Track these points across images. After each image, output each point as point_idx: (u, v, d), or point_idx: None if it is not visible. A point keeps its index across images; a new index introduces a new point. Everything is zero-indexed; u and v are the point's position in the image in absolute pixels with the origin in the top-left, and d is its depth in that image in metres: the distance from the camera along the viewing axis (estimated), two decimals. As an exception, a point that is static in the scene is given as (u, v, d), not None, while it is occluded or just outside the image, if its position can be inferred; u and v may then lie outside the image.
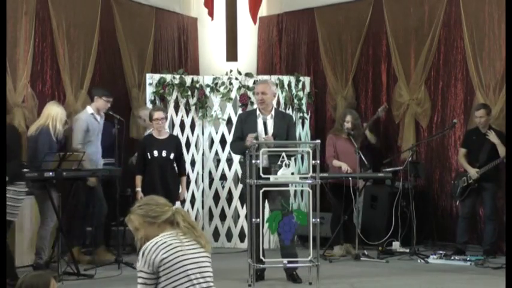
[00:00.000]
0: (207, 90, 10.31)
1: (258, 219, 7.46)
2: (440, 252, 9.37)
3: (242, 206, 10.18)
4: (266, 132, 7.90)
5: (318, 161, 7.47)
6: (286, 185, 7.94)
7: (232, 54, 11.75)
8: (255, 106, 10.06)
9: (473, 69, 9.96)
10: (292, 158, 8.08)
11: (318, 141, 7.61)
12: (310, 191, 7.55)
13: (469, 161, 9.48)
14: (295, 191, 10.34)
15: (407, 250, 9.46)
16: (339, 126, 9.73)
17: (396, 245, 9.70)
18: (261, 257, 7.55)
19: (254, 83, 10.22)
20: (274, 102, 8.40)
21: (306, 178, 7.79)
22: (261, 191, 7.37)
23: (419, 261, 9.12)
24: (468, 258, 9.08)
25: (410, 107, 10.58)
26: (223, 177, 10.41)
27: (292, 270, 7.78)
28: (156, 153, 8.74)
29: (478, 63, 9.93)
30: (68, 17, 9.99)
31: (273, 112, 8.05)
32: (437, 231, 10.30)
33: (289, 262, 7.69)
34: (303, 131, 10.71)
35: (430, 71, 10.51)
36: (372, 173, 9.75)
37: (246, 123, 8.06)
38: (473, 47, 9.99)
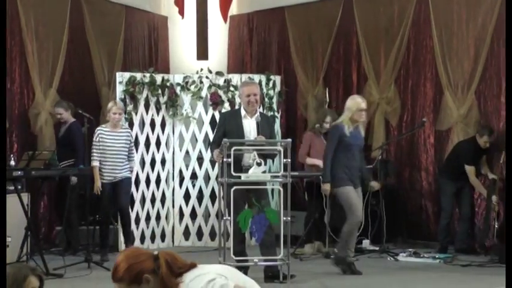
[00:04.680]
0: (178, 88, 10.28)
1: (229, 217, 7.47)
2: (410, 250, 9.44)
3: (213, 205, 10.17)
4: (259, 132, 7.85)
5: (290, 160, 7.48)
6: (263, 183, 7.90)
7: (202, 53, 11.72)
8: (226, 105, 10.13)
9: (442, 68, 10.04)
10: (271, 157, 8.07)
11: (289, 140, 7.62)
12: (281, 190, 7.57)
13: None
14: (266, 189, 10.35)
15: (377, 248, 9.52)
16: (318, 126, 9.71)
17: (366, 243, 9.75)
18: (232, 255, 7.54)
19: (225, 81, 10.22)
20: None
21: (277, 177, 7.79)
22: (232, 189, 7.37)
23: (389, 259, 9.17)
24: (437, 256, 9.15)
25: (380, 106, 10.63)
26: (193, 176, 10.39)
27: (270, 269, 7.74)
28: None
29: (447, 63, 10.00)
30: (36, 15, 9.91)
31: (258, 113, 8.03)
32: (407, 229, 10.36)
33: (260, 260, 7.69)
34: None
35: (399, 70, 10.57)
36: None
37: (229, 124, 7.96)
38: (441, 46, 10.06)
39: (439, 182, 9.84)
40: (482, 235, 9.36)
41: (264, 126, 7.91)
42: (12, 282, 3.96)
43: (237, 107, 9.95)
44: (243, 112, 7.95)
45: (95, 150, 9.05)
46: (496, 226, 9.03)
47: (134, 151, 9.45)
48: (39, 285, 4.05)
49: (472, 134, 9.70)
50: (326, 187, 8.27)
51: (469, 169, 9.41)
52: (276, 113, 10.74)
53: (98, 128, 9.11)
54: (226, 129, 7.90)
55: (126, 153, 9.18)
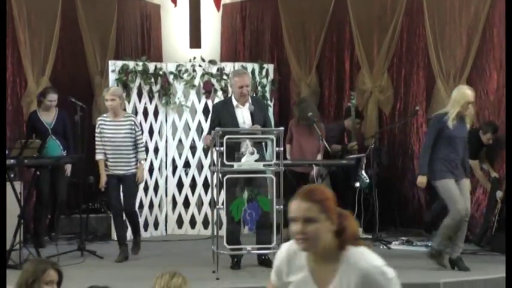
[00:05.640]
0: (171, 77, 10.27)
1: (222, 206, 7.50)
2: (403, 238, 9.47)
3: (206, 193, 10.18)
4: (253, 122, 7.87)
5: (282, 148, 7.50)
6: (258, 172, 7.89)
7: (195, 41, 11.70)
8: (219, 93, 10.13)
9: (434, 57, 10.05)
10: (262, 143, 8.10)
11: (282, 128, 7.63)
12: (274, 178, 7.58)
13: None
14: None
15: (370, 236, 9.54)
16: (312, 115, 9.80)
17: (359, 231, 9.76)
18: (225, 244, 7.56)
19: (217, 70, 10.21)
20: None
21: (269, 165, 7.80)
22: (224, 178, 7.39)
23: (381, 247, 9.19)
24: (430, 244, 9.17)
25: (373, 95, 10.65)
26: (186, 165, 10.40)
27: (263, 254, 7.82)
28: None
29: (439, 51, 10.02)
30: (28, 4, 9.90)
31: (250, 101, 8.04)
32: (399, 217, 10.39)
33: (253, 248, 7.73)
34: (266, 118, 10.72)
35: (392, 59, 10.59)
36: (334, 160, 9.81)
37: (223, 114, 7.99)
38: (434, 35, 10.08)
39: None
40: (480, 232, 9.34)
41: (258, 113, 7.94)
42: (31, 274, 4.03)
43: (229, 95, 9.96)
44: (234, 102, 7.98)
45: (97, 142, 8.46)
46: (496, 224, 8.99)
47: (142, 140, 8.65)
48: (58, 279, 4.10)
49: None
50: (422, 180, 7.82)
51: (474, 163, 9.33)
52: (269, 102, 10.74)
53: (99, 118, 8.60)
54: (221, 120, 7.92)
55: (131, 145, 8.45)
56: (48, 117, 9.40)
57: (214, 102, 9.58)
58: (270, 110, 10.77)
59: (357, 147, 9.97)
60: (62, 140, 9.37)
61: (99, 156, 8.46)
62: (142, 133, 8.83)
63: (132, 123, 8.49)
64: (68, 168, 9.38)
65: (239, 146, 7.70)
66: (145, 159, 8.86)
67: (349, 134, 10.19)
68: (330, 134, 10.00)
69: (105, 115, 8.58)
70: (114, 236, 9.65)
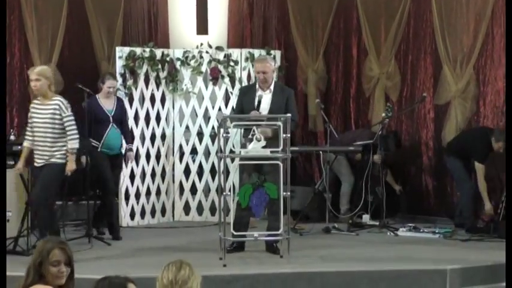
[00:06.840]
0: (178, 63, 10.27)
1: (229, 193, 7.51)
2: (410, 225, 9.46)
3: (213, 180, 10.19)
4: (258, 108, 7.91)
5: (289, 135, 7.50)
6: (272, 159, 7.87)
7: (202, 28, 11.67)
8: (226, 80, 10.13)
9: (441, 42, 10.02)
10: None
11: (289, 115, 7.61)
12: (281, 165, 7.57)
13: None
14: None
15: (377, 223, 9.54)
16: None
17: (366, 218, 9.77)
18: (232, 230, 7.58)
19: (225, 56, 10.20)
20: (274, 75, 8.43)
21: (276, 152, 7.80)
22: (235, 164, 7.41)
23: (388, 233, 9.20)
24: (437, 231, 9.18)
25: (381, 81, 10.62)
26: (193, 151, 10.41)
27: (272, 241, 7.84)
28: None
29: (446, 37, 9.98)
30: (36, -11, 9.89)
31: (271, 87, 8.07)
32: (406, 204, 10.37)
33: (260, 235, 7.75)
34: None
35: (400, 45, 10.55)
36: (341, 147, 9.80)
37: (245, 97, 8.12)
38: (441, 20, 10.04)
39: (445, 161, 9.71)
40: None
41: (276, 100, 7.98)
42: (38, 255, 4.00)
43: (237, 82, 10.01)
44: (257, 86, 8.08)
45: (27, 128, 7.78)
46: (503, 211, 8.87)
47: (71, 127, 7.66)
48: (65, 259, 4.02)
49: (469, 109, 9.73)
50: None
51: (480, 167, 9.15)
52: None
53: (32, 101, 7.87)
54: (244, 103, 8.05)
55: (56, 131, 7.63)
56: (109, 105, 9.03)
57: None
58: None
59: (380, 161, 9.81)
60: (120, 128, 9.14)
61: (24, 143, 7.81)
62: (72, 117, 7.71)
63: (57, 106, 7.57)
64: (83, 158, 9.13)
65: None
66: (76, 149, 7.73)
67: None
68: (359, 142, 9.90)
69: (39, 98, 7.76)
70: (122, 222, 9.71)
